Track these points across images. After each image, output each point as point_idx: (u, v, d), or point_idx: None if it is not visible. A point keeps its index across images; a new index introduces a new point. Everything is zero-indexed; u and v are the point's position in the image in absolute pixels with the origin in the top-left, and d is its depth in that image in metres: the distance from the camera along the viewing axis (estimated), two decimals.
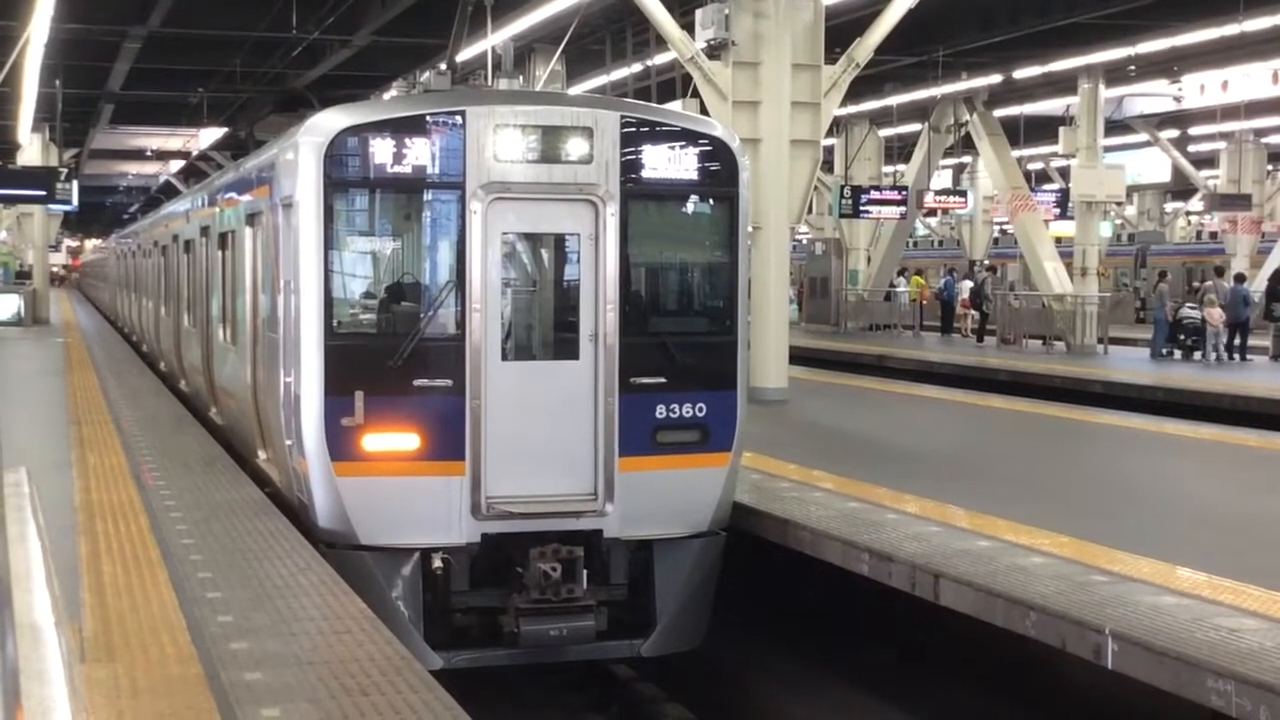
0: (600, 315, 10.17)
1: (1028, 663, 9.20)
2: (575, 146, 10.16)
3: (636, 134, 10.38)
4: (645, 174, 10.38)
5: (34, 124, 34.00)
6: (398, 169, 9.97)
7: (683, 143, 10.53)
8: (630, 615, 10.40)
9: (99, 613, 7.66)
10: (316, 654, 6.91)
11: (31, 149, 37.86)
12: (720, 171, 10.66)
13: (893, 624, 10.63)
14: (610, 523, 10.20)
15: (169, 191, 54.73)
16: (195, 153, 47.20)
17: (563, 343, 10.45)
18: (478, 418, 9.95)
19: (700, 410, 10.44)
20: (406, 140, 9.95)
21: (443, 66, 12.25)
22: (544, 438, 10.15)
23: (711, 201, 10.86)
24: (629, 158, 10.30)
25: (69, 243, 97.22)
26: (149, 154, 51.65)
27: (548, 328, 10.71)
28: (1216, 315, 28.40)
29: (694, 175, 10.56)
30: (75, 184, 31.73)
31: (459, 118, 10.05)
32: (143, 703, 6.17)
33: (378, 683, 6.46)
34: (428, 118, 10.12)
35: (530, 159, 10.10)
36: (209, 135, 40.94)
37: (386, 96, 27.71)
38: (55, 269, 68.86)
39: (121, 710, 6.06)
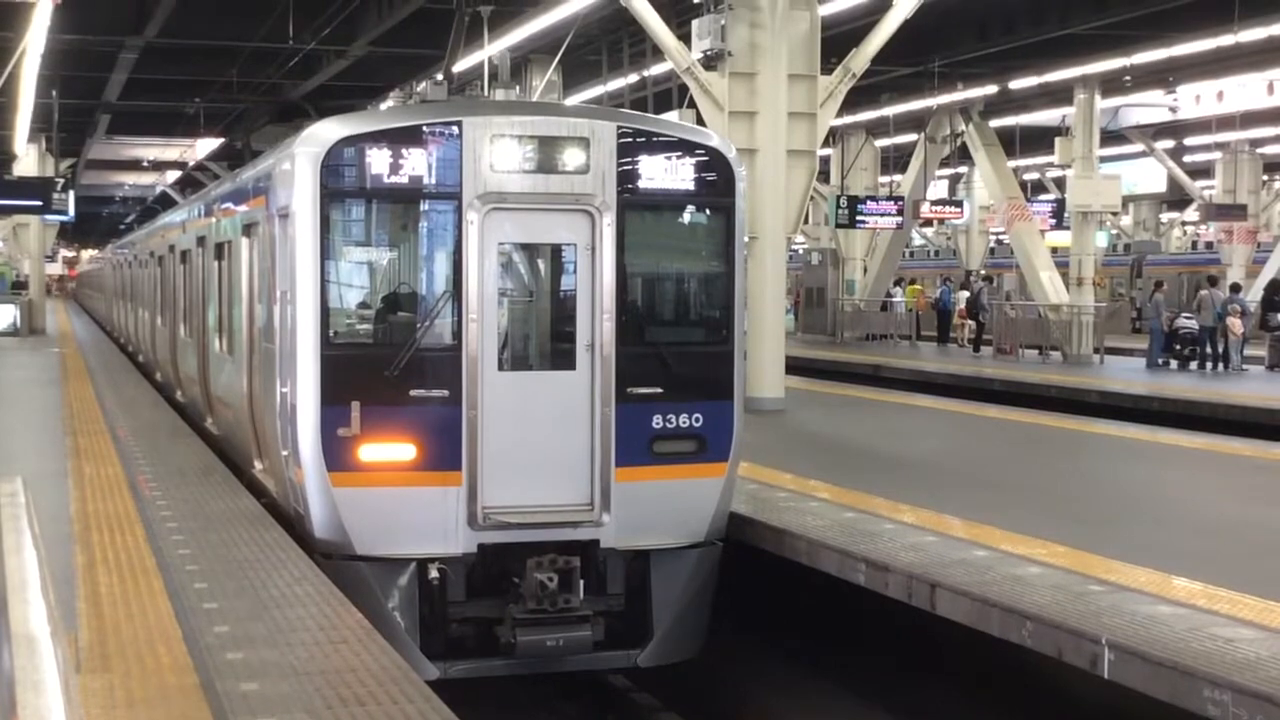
0: (597, 325, 10.17)
1: (1025, 672, 9.19)
2: (572, 157, 10.16)
3: (633, 144, 10.39)
4: (642, 184, 10.38)
5: (30, 134, 33.97)
6: (394, 179, 9.96)
7: (679, 153, 10.53)
8: (627, 625, 10.38)
9: (95, 623, 7.65)
10: (313, 664, 6.90)
11: (28, 159, 37.86)
12: (717, 181, 10.66)
13: (891, 633, 10.61)
14: (607, 533, 10.19)
15: (165, 202, 54.72)
16: (192, 163, 47.25)
17: (559, 353, 10.45)
18: (474, 428, 9.94)
19: (697, 420, 10.44)
20: (403, 150, 9.95)
21: (439, 77, 12.27)
22: (541, 448, 10.14)
23: (708, 211, 10.85)
24: (625, 168, 10.30)
25: (65, 253, 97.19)
26: (145, 164, 51.70)
27: (544, 338, 10.71)
28: (1238, 325, 28.42)
29: (690, 185, 10.56)
30: (71, 194, 31.73)
31: (456, 128, 10.05)
32: (138, 713, 6.17)
33: (374, 693, 6.45)
34: (424, 128, 10.12)
35: (527, 169, 10.10)
36: (205, 146, 41.00)
37: (383, 107, 27.76)
38: (51, 279, 68.78)
39: None
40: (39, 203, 31.37)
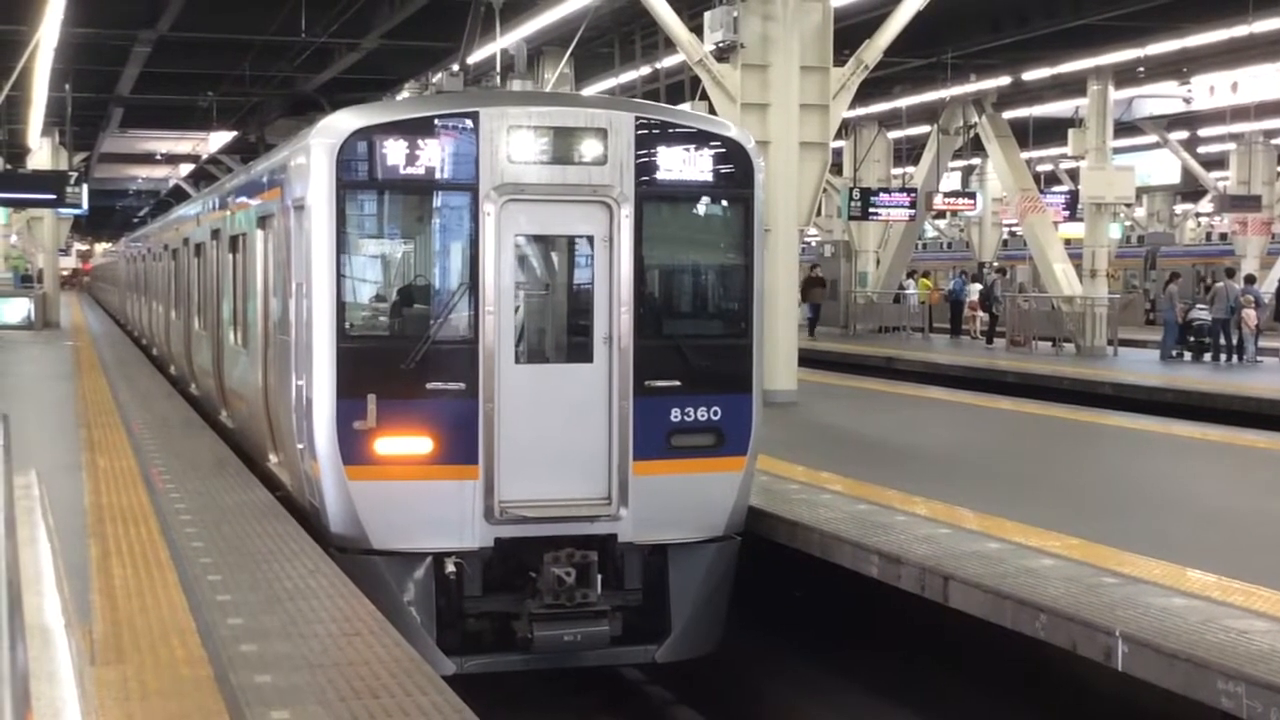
0: (614, 318, 10.12)
1: (1038, 665, 9.17)
2: (589, 148, 10.10)
3: (651, 135, 10.32)
4: (660, 175, 10.30)
5: (44, 128, 34.05)
6: (410, 171, 9.92)
7: (697, 144, 10.44)
8: (645, 620, 10.34)
9: (109, 615, 7.66)
10: (326, 656, 6.90)
11: (42, 153, 37.93)
12: (735, 173, 10.60)
13: (904, 626, 10.60)
14: (624, 527, 10.14)
15: (179, 195, 54.80)
16: (205, 156, 47.29)
17: (577, 345, 10.41)
18: (491, 421, 9.90)
19: (715, 413, 10.37)
20: (419, 142, 9.90)
21: (455, 68, 12.24)
22: (558, 441, 10.09)
23: (726, 203, 10.79)
24: (643, 159, 10.23)
25: (79, 246, 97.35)
26: (159, 157, 51.81)
27: (561, 330, 10.67)
28: (1253, 317, 28.39)
29: (709, 177, 10.48)
30: (85, 188, 31.79)
31: (471, 119, 9.99)
32: (152, 705, 6.17)
33: (387, 685, 6.46)
34: (440, 119, 10.07)
35: (544, 160, 10.04)
36: (219, 139, 41.01)
37: (399, 98, 27.74)
38: (64, 272, 68.87)
39: (131, 712, 6.05)
40: (53, 196, 31.45)
